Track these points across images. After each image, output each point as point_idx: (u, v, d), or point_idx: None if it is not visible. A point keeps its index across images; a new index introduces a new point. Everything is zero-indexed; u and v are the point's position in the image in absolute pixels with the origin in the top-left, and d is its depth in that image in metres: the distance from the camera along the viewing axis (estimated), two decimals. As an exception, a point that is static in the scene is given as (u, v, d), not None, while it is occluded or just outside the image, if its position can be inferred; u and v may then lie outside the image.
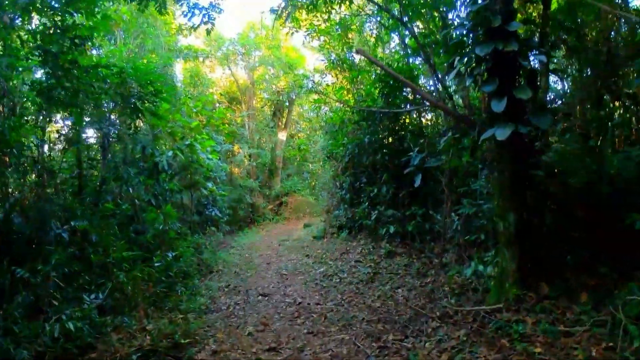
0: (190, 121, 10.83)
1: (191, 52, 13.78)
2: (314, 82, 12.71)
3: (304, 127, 25.78)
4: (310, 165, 22.74)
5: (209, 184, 14.68)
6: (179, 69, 18.45)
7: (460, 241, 7.26)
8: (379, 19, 10.68)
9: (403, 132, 9.89)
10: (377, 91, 10.31)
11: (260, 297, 8.13)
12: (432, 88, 9.19)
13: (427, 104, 8.47)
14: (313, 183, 24.74)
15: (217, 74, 24.07)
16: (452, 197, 7.75)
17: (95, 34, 7.40)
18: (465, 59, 5.42)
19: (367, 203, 10.41)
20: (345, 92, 12.41)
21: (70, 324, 5.08)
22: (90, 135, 11.24)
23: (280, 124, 23.45)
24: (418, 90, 7.66)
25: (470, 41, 5.52)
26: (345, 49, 12.60)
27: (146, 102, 8.64)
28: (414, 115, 10.07)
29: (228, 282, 9.71)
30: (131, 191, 10.97)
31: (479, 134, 5.30)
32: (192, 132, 12.80)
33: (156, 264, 8.10)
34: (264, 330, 6.19)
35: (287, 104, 23.65)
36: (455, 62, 5.57)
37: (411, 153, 8.80)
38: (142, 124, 13.30)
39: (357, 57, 12.27)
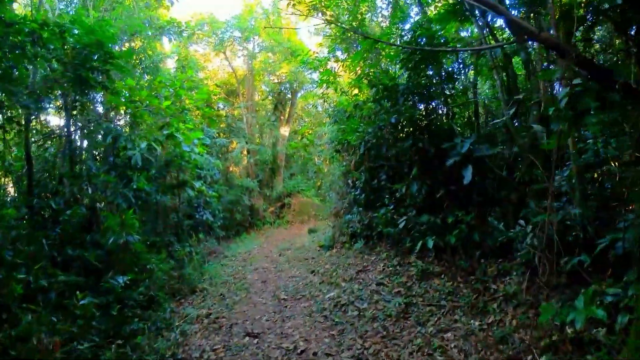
0: (160, 99, 8.51)
1: (174, 27, 11.50)
2: (318, 61, 10.32)
3: (309, 122, 23.45)
4: (315, 159, 20.36)
5: (198, 184, 12.38)
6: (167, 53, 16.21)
7: (546, 264, 4.89)
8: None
9: (440, 113, 7.50)
10: (399, 66, 7.99)
11: (247, 339, 5.80)
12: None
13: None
14: (319, 182, 22.39)
15: (214, 64, 21.85)
16: (528, 197, 5.41)
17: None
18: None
19: (391, 206, 8.04)
20: (356, 72, 10.06)
21: None
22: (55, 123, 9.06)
23: (282, 118, 21.15)
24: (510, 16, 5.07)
25: None
26: (358, 18, 10.27)
27: (97, 72, 6.34)
28: (460, 86, 7.69)
29: (209, 310, 7.41)
30: (90, 192, 8.71)
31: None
32: (172, 120, 10.53)
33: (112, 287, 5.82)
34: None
35: (290, 96, 21.34)
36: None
37: (457, 139, 6.44)
38: (117, 113, 11.11)
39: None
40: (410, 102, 7.77)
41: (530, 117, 6.13)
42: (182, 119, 11.19)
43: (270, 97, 22.50)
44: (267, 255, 12.10)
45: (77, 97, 7.01)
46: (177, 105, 8.27)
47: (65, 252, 6.46)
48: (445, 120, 7.49)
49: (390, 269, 7.52)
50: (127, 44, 12.31)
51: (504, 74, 6.60)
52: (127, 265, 7.12)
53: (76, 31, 6.32)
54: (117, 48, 12.23)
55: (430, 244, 6.57)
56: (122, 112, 8.91)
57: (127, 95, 7.72)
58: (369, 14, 11.81)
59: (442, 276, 6.70)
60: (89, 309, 5.26)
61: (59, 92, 7.45)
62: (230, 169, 17.51)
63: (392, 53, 7.96)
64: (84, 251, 6.72)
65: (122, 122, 11.62)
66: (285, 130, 20.71)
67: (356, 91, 10.79)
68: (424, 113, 7.60)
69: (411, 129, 7.33)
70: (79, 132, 10.70)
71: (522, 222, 5.60)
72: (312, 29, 19.01)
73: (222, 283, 9.43)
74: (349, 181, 9.99)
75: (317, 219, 18.39)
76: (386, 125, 7.63)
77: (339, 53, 10.04)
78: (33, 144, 9.10)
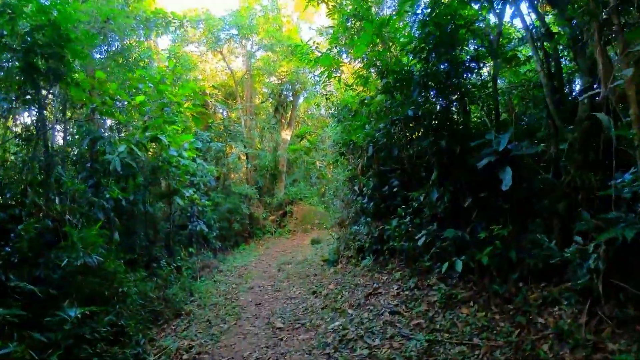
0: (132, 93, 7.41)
1: (160, 19, 10.43)
2: (319, 51, 9.15)
3: (312, 124, 22.31)
4: (318, 163, 19.12)
5: (189, 191, 11.23)
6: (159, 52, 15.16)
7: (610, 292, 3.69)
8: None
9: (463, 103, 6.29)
10: (412, 52, 6.81)
11: (229, 389, 4.62)
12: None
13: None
14: (322, 189, 21.23)
15: (211, 65, 20.81)
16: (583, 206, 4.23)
17: None
18: None
19: (406, 217, 6.84)
20: (362, 60, 8.90)
21: None
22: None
23: (283, 121, 20.06)
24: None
25: None
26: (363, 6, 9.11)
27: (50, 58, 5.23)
28: (478, 76, 6.50)
29: (192, 342, 6.25)
30: (58, 202, 7.59)
31: None
32: (156, 120, 9.44)
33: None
34: None
35: (291, 98, 20.25)
36: None
37: (489, 134, 5.26)
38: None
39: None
40: (425, 96, 6.60)
41: (580, 107, 4.93)
42: (168, 119, 10.09)
43: (270, 100, 21.44)
44: (264, 271, 10.91)
45: (30, 90, 5.84)
46: (159, 102, 7.14)
47: (14, 276, 5.30)
48: (464, 115, 6.28)
49: (407, 292, 6.31)
50: (117, 44, 11.32)
51: (542, 54, 5.41)
52: (93, 290, 5.97)
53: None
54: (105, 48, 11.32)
55: (460, 266, 5.34)
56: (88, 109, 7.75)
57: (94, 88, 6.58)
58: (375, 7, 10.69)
59: (472, 304, 5.49)
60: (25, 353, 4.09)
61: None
62: (228, 175, 16.40)
63: (403, 39, 6.78)
64: (37, 273, 5.58)
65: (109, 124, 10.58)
66: (286, 134, 19.60)
67: (361, 88, 9.67)
68: (443, 105, 6.39)
69: (431, 123, 6.12)
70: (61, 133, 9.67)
71: (578, 238, 4.38)
72: (314, 25, 17.99)
73: (211, 305, 8.25)
74: (356, 187, 8.81)
75: (321, 227, 17.21)
76: (400, 121, 6.44)
77: (342, 41, 8.85)
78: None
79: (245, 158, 17.09)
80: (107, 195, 7.76)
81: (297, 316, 6.77)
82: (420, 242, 6.10)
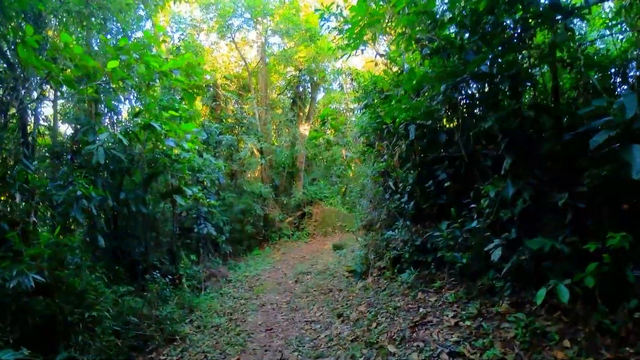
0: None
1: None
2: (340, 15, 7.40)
3: (333, 112, 20.64)
4: (344, 152, 17.14)
5: (192, 190, 9.72)
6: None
7: None
8: None
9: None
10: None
11: None
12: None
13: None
14: (343, 188, 19.56)
15: (224, 58, 19.41)
16: None
17: None
18: None
19: (475, 221, 5.10)
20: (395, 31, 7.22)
21: None
22: None
23: (301, 115, 18.48)
24: None
25: None
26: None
27: None
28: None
29: (179, 386, 4.69)
30: (19, 200, 6.16)
31: None
32: (149, 105, 7.97)
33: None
34: None
35: (309, 89, 18.66)
36: None
37: (599, 101, 3.55)
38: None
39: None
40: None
41: None
42: (166, 105, 8.62)
43: (287, 94, 19.90)
44: (279, 283, 9.31)
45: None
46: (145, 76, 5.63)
47: None
48: (553, 79, 4.52)
49: (469, 323, 4.60)
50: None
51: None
52: (45, 319, 4.46)
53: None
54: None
55: (566, 295, 3.60)
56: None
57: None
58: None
59: (569, 344, 3.77)
60: None
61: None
62: (240, 172, 14.90)
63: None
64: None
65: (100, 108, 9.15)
66: (305, 129, 18.00)
67: (395, 69, 8.00)
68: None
69: (514, 85, 4.36)
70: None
71: None
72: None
73: (213, 327, 6.70)
74: (390, 183, 7.12)
75: (343, 231, 15.54)
76: (466, 83, 4.72)
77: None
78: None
79: (259, 154, 15.55)
80: (94, 194, 6.26)
81: (318, 350, 5.13)
82: (495, 256, 4.37)
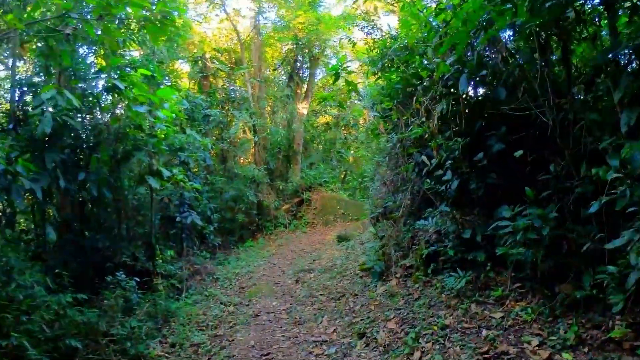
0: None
1: None
2: None
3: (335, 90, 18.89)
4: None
5: (169, 172, 7.97)
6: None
7: None
8: None
9: None
10: None
11: None
12: None
13: None
14: (342, 174, 17.89)
15: (212, 29, 17.54)
16: None
17: None
18: None
19: (595, 204, 3.42)
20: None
21: None
22: None
23: (299, 91, 16.69)
24: None
25: None
26: None
27: None
28: None
29: None
30: None
31: None
32: (111, 60, 6.25)
33: None
34: None
35: (309, 63, 16.87)
36: None
37: None
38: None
39: None
40: None
41: None
42: (133, 61, 6.91)
43: (283, 72, 18.07)
44: (277, 282, 7.68)
45: None
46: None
47: None
48: None
49: (569, 358, 3.02)
50: None
51: None
52: None
53: None
54: None
55: None
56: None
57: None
58: None
59: None
60: None
61: None
62: (231, 153, 13.14)
63: None
64: None
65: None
66: (303, 107, 16.24)
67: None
68: None
69: None
70: None
71: None
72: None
73: (191, 348, 5.08)
74: (423, 158, 5.44)
75: (346, 219, 13.93)
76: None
77: None
78: None
79: (250, 133, 13.78)
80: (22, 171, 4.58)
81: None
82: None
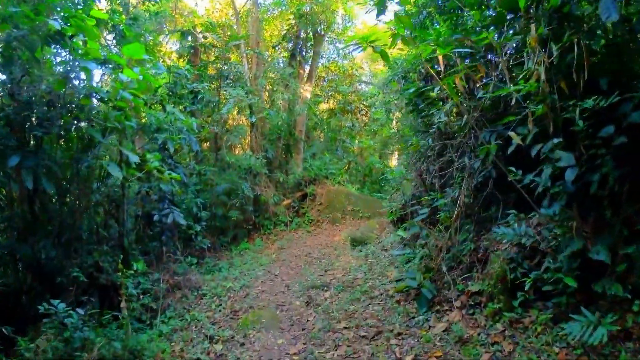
0: None
1: None
2: None
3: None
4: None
5: (136, 157, 6.07)
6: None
7: None
8: None
9: None
10: None
11: None
12: None
13: None
14: (347, 166, 15.95)
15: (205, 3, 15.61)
16: None
17: None
18: None
19: None
20: None
21: None
22: None
23: (301, 72, 14.79)
24: None
25: None
26: None
27: None
28: None
29: None
30: None
31: None
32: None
33: None
34: None
35: (313, 40, 14.95)
36: None
37: None
38: None
39: None
40: None
41: None
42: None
43: (281, 51, 16.14)
44: (281, 304, 5.82)
45: None
46: None
47: None
48: None
49: None
50: None
51: None
52: None
53: None
54: None
55: None
56: None
57: None
58: None
59: None
60: None
61: None
62: (222, 138, 11.22)
63: None
64: None
65: None
66: (306, 90, 14.35)
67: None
68: None
69: None
70: None
71: None
72: None
73: None
74: (509, 133, 3.60)
75: (356, 216, 12.14)
76: None
77: None
78: None
79: (248, 114, 11.84)
80: None
81: None
82: None
